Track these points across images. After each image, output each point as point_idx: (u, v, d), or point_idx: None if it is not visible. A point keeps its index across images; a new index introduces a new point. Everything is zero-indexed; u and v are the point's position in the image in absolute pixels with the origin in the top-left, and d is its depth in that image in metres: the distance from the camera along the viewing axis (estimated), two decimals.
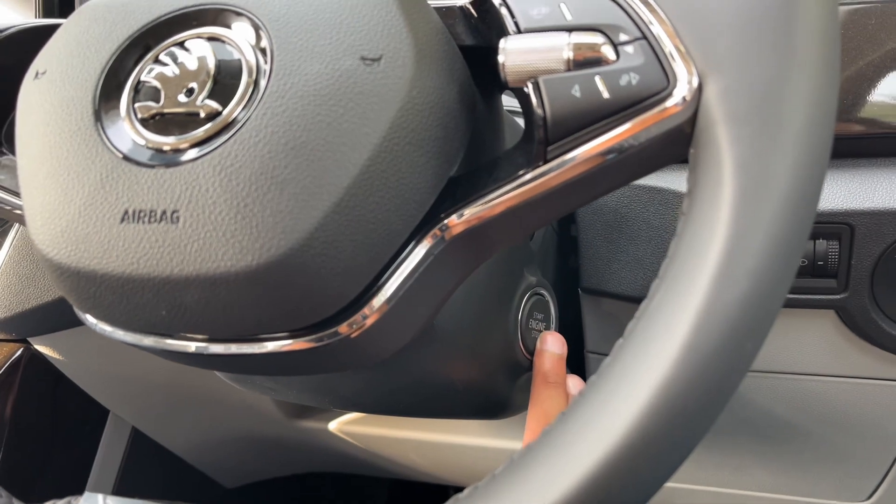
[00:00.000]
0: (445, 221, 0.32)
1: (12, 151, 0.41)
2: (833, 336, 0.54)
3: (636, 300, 0.56)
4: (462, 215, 0.32)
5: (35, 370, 0.67)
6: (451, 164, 0.33)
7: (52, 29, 0.39)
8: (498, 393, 0.50)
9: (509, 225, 0.32)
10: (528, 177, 0.30)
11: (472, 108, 0.34)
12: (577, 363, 0.64)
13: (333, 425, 0.82)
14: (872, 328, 0.52)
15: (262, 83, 0.30)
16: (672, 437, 0.24)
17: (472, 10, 0.35)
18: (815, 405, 0.60)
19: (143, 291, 0.30)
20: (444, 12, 0.35)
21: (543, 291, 0.51)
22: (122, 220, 0.30)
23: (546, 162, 0.29)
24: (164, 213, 0.30)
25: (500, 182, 0.31)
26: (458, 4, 0.35)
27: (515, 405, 0.53)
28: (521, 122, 0.44)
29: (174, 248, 0.29)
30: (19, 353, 0.66)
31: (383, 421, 0.80)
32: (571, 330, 0.61)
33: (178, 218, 0.29)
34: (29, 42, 0.40)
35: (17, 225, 0.63)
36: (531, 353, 0.49)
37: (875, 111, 0.49)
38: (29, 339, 0.67)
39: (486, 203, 0.31)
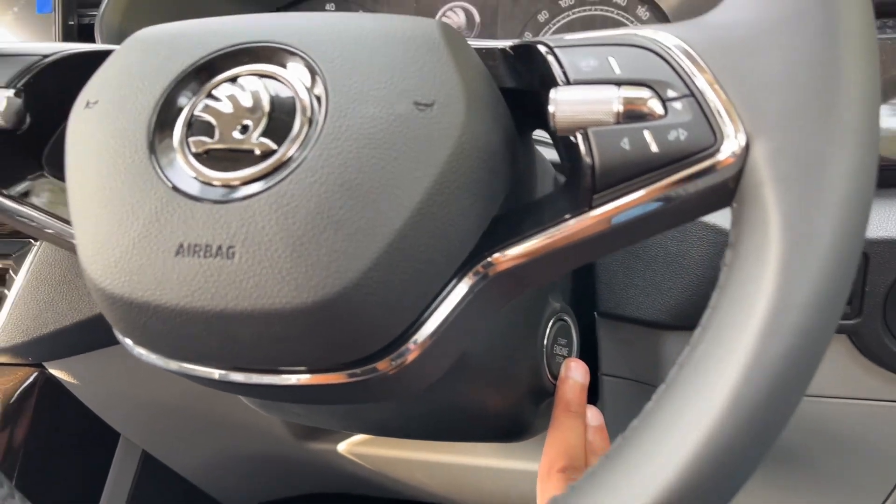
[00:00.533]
0: (489, 259, 0.33)
1: (53, 175, 0.42)
2: (845, 360, 0.56)
3: (653, 325, 0.57)
4: (505, 255, 0.33)
5: (49, 393, 0.67)
6: (495, 204, 0.34)
7: (97, 56, 0.40)
8: (522, 417, 0.51)
9: (550, 265, 0.33)
10: (572, 222, 0.31)
11: (515, 151, 0.35)
12: (591, 384, 0.65)
13: (342, 446, 0.82)
14: (884, 352, 0.53)
15: (318, 123, 0.31)
16: (717, 487, 0.25)
17: (514, 54, 0.36)
18: (826, 426, 0.61)
19: (196, 324, 0.31)
20: (485, 53, 0.36)
21: (566, 317, 0.52)
22: (177, 253, 0.31)
23: (591, 208, 0.30)
24: (219, 248, 0.30)
25: (543, 225, 0.32)
26: (498, 47, 0.36)
27: (534, 428, 0.53)
28: (544, 151, 0.45)
29: (230, 283, 0.30)
30: (34, 376, 0.66)
31: (393, 442, 0.80)
32: (586, 351, 0.62)
33: (234, 253, 0.30)
34: (73, 68, 0.40)
35: (35, 249, 0.63)
36: (555, 378, 0.50)
37: (887, 143, 0.51)
38: (44, 363, 0.66)
39: (529, 244, 0.32)
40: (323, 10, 0.75)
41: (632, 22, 0.68)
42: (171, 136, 0.33)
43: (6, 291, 0.62)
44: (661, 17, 0.67)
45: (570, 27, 0.69)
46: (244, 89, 0.33)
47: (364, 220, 0.30)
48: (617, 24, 0.68)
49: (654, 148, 0.29)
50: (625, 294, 0.57)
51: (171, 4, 0.68)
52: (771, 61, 0.28)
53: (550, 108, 0.30)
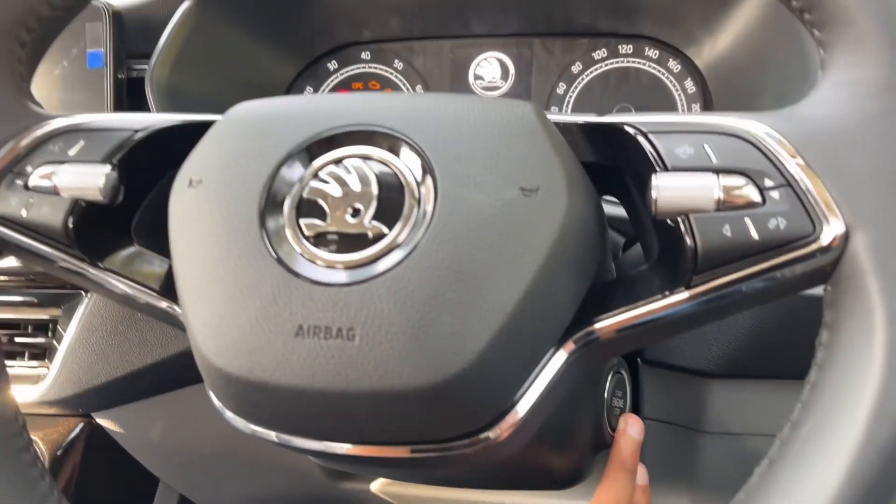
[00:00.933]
0: (586, 330, 0.34)
1: (142, 244, 0.43)
2: None
3: (698, 373, 0.58)
4: (602, 326, 0.34)
5: (94, 442, 0.67)
6: (590, 278, 0.35)
7: (186, 127, 0.41)
8: (578, 468, 0.52)
9: (644, 337, 0.35)
10: (671, 299, 0.33)
11: (604, 224, 0.36)
12: None
13: (375, 486, 0.83)
14: None
15: (428, 208, 0.33)
16: None
17: (593, 130, 0.37)
18: None
19: (315, 403, 0.32)
20: (563, 127, 0.38)
21: (622, 370, 0.53)
22: (297, 334, 0.32)
23: (689, 287, 0.32)
24: (339, 330, 0.31)
25: (641, 300, 0.34)
26: (577, 122, 0.38)
27: (585, 475, 0.55)
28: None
29: (351, 365, 0.31)
30: (80, 427, 0.66)
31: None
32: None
33: (354, 336, 0.31)
34: (162, 139, 0.41)
35: (85, 301, 0.63)
36: (613, 430, 0.51)
37: None
38: (91, 413, 0.67)
39: (626, 317, 0.34)
40: (359, 59, 0.76)
41: (664, 75, 0.70)
42: (281, 217, 0.34)
43: (56, 343, 0.63)
44: (693, 70, 0.69)
45: (605, 78, 0.72)
46: (350, 172, 0.34)
47: (477, 302, 0.31)
48: (650, 76, 0.70)
49: (754, 235, 0.30)
50: (671, 343, 0.59)
51: (215, 59, 0.69)
52: (866, 155, 0.30)
53: (653, 194, 0.32)
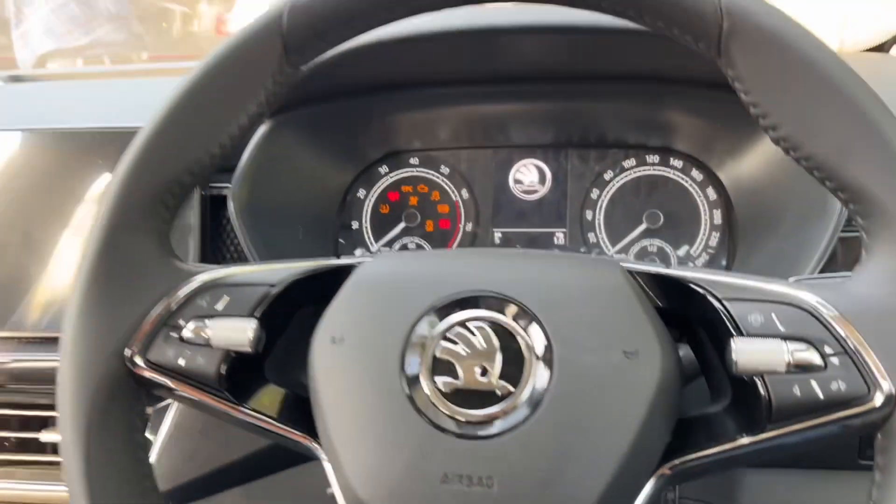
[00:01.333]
0: (674, 463, 0.41)
1: (272, 378, 0.49)
2: None
3: None
4: (687, 460, 0.41)
5: None
6: (676, 418, 0.42)
7: (314, 277, 0.48)
8: None
9: (718, 468, 0.42)
10: (745, 440, 0.40)
11: (682, 371, 0.44)
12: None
13: None
14: None
15: (547, 369, 0.40)
16: None
17: (671, 285, 0.45)
18: None
19: None
20: (642, 276, 0.45)
21: None
22: (443, 481, 0.39)
23: (763, 432, 0.39)
24: (479, 478, 0.38)
25: (722, 441, 0.41)
26: (650, 272, 0.45)
27: None
28: None
29: None
30: None
31: None
32: None
33: (492, 483, 0.38)
34: (294, 288, 0.48)
35: (176, 403, 0.69)
36: None
37: None
38: None
39: (708, 452, 0.41)
40: (408, 164, 0.84)
41: (687, 182, 0.78)
42: (418, 374, 0.41)
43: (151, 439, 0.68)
44: (715, 180, 0.78)
45: (634, 185, 0.80)
46: (475, 334, 0.41)
47: (595, 453, 0.38)
48: (675, 184, 0.79)
49: (819, 395, 0.38)
50: None
51: (286, 173, 0.76)
52: None
53: (733, 357, 0.39)
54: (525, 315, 0.42)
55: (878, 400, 0.37)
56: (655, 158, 0.80)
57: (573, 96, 0.77)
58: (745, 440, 0.40)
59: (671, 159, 0.79)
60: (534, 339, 0.41)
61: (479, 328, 0.42)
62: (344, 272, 0.48)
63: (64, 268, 0.72)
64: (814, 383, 0.38)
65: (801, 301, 0.40)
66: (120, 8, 2.33)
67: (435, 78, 0.78)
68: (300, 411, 0.47)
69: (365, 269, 0.46)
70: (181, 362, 0.45)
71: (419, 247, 0.84)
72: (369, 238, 0.84)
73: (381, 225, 0.84)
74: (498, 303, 0.42)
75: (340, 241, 0.84)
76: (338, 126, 0.79)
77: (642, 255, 0.79)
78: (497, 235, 0.83)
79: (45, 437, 0.72)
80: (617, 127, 0.79)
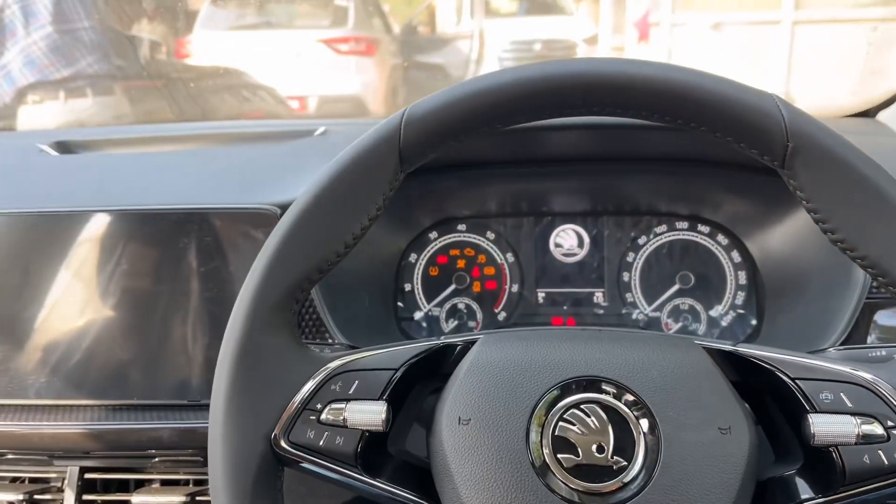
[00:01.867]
0: None
1: (395, 453, 0.55)
2: None
3: None
4: None
5: None
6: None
7: (425, 359, 0.54)
8: None
9: None
10: (821, 500, 0.47)
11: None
12: None
13: None
14: None
15: (655, 446, 0.47)
16: None
17: (740, 360, 0.52)
18: None
19: None
20: (718, 352, 0.52)
21: None
22: None
23: (837, 493, 0.47)
24: None
25: (797, 500, 0.48)
26: (725, 349, 0.53)
27: None
28: None
29: None
30: None
31: None
32: None
33: None
34: (411, 369, 0.54)
35: None
36: None
37: None
38: None
39: None
40: (455, 230, 0.91)
41: (713, 245, 0.87)
42: (541, 452, 0.48)
43: None
44: (739, 245, 0.86)
45: (668, 248, 0.88)
46: (589, 415, 0.48)
47: None
48: (703, 248, 0.87)
49: (885, 462, 0.45)
50: None
51: None
52: None
53: (812, 430, 0.47)
54: (632, 397, 0.49)
55: None
56: (685, 224, 0.88)
57: (608, 174, 0.86)
58: (821, 499, 0.48)
59: (699, 225, 0.88)
60: (641, 418, 0.48)
61: (590, 409, 0.49)
62: (451, 350, 0.55)
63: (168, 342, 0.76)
64: (881, 453, 0.46)
65: (864, 380, 0.48)
66: (99, 39, 2.38)
67: (484, 159, 0.85)
68: (420, 479, 0.53)
69: (479, 353, 0.53)
70: (321, 443, 0.51)
71: (468, 307, 0.91)
72: (421, 299, 0.91)
73: (432, 287, 0.91)
74: (608, 386, 0.49)
75: (399, 304, 0.91)
76: (397, 200, 0.85)
77: (676, 312, 0.87)
78: (541, 296, 0.90)
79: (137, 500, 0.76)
80: (649, 198, 0.88)
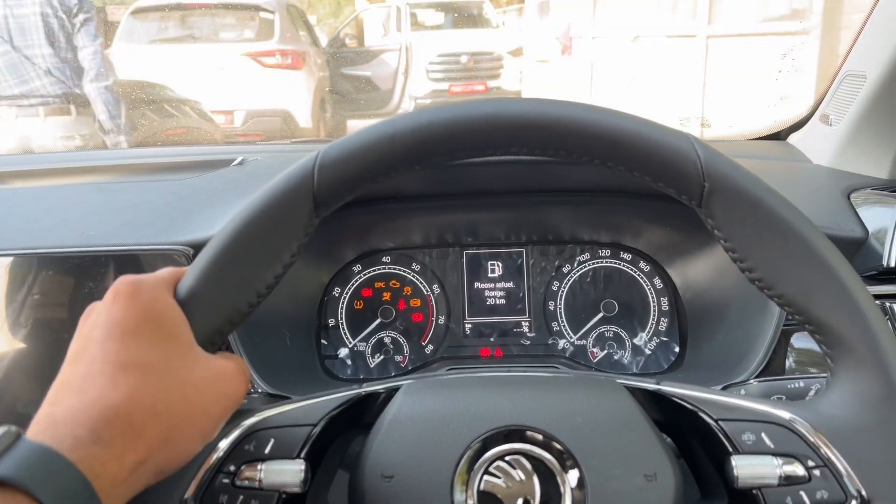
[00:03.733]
0: None
1: None
2: None
3: None
4: None
5: None
6: None
7: (345, 411, 0.52)
8: None
9: None
10: None
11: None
12: None
13: None
14: None
15: (580, 497, 0.46)
16: None
17: (660, 398, 0.52)
18: None
19: None
20: (641, 392, 0.52)
21: None
22: None
23: None
24: None
25: None
26: (649, 388, 0.53)
27: None
28: None
29: None
30: None
31: None
32: None
33: None
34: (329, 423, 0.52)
35: None
36: None
37: None
38: None
39: None
40: (380, 262, 0.89)
41: (635, 272, 0.88)
42: None
43: None
44: (661, 272, 0.87)
45: (591, 276, 0.88)
46: (515, 467, 0.47)
47: None
48: (625, 275, 0.88)
49: (808, 503, 0.46)
50: None
51: None
52: (877, 449, 0.46)
53: (735, 473, 0.47)
54: (557, 446, 0.48)
55: None
56: (607, 252, 0.89)
57: (531, 205, 0.86)
58: None
59: (621, 253, 0.89)
60: (567, 469, 0.47)
61: (515, 461, 0.48)
62: (373, 398, 0.53)
63: None
64: (803, 495, 0.46)
65: (785, 421, 0.48)
66: (58, 64, 2.53)
67: (407, 193, 0.84)
68: None
69: (401, 404, 0.51)
70: None
71: (395, 341, 0.89)
72: (346, 335, 0.89)
73: (357, 321, 0.89)
74: (533, 434, 0.48)
75: (323, 341, 0.88)
76: (318, 234, 0.83)
77: (601, 340, 0.88)
78: (468, 327, 0.89)
79: None
80: (571, 227, 0.88)
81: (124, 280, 0.46)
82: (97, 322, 0.44)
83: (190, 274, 0.50)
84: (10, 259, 0.75)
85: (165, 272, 0.50)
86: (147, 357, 0.43)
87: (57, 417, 0.39)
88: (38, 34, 2.42)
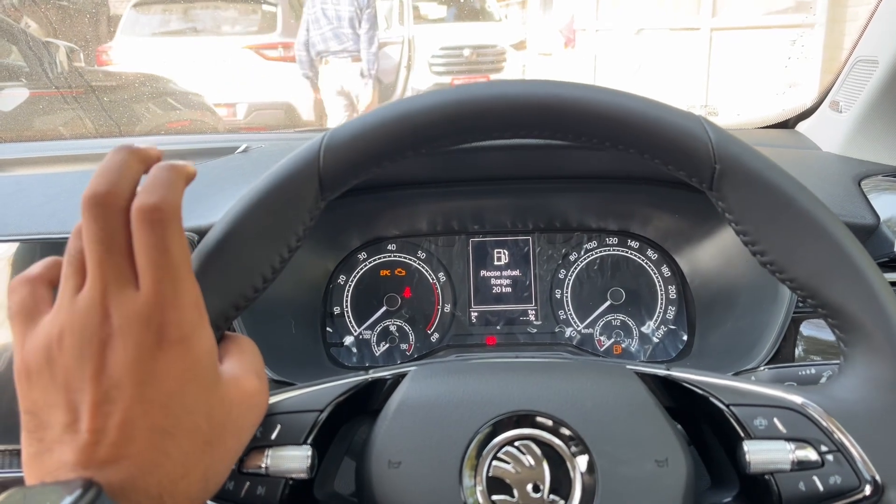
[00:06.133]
0: None
1: (322, 499, 0.52)
2: None
3: None
4: None
5: None
6: None
7: (351, 398, 0.51)
8: None
9: None
10: None
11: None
12: None
13: None
14: None
15: (592, 483, 0.45)
16: None
17: (671, 384, 0.51)
18: None
19: None
20: (653, 378, 0.52)
21: None
22: None
23: None
24: None
25: None
26: (659, 374, 0.52)
27: None
28: None
29: None
30: None
31: None
32: None
33: None
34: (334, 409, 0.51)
35: None
36: None
37: None
38: None
39: None
40: (385, 249, 0.88)
41: (643, 260, 0.87)
42: (476, 494, 0.46)
43: None
44: (669, 260, 0.86)
45: (601, 264, 0.88)
46: (524, 452, 0.47)
47: None
48: (633, 263, 0.87)
49: (820, 488, 0.45)
50: None
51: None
52: (890, 433, 0.45)
53: (746, 458, 0.46)
54: (567, 431, 0.47)
55: (868, 490, 0.45)
56: (615, 240, 0.88)
57: (538, 192, 0.85)
58: None
59: (629, 241, 0.88)
60: (577, 454, 0.46)
61: (525, 446, 0.47)
62: (379, 384, 0.53)
63: None
64: (816, 479, 0.45)
65: (797, 405, 0.47)
66: (353, 35, 4.40)
67: (413, 179, 0.83)
68: None
69: (408, 390, 0.50)
70: (242, 494, 0.48)
71: (400, 329, 0.88)
72: (351, 323, 0.88)
73: (362, 309, 0.88)
74: (542, 420, 0.48)
75: (328, 329, 0.87)
76: (324, 221, 0.82)
77: (608, 329, 0.87)
78: (474, 315, 0.89)
79: None
80: (579, 215, 0.87)
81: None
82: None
83: (194, 258, 0.49)
84: (14, 245, 0.74)
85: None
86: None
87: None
88: (345, 19, 4.49)
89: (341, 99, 4.73)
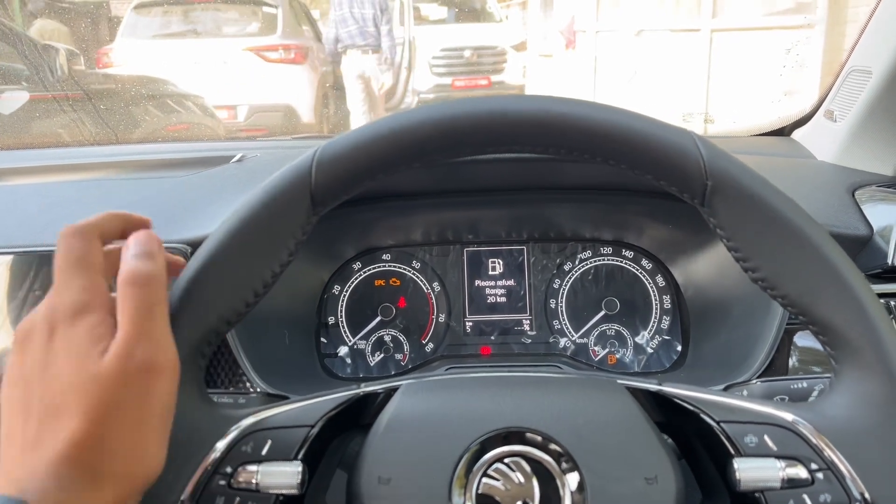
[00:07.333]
0: None
1: None
2: None
3: None
4: None
5: None
6: None
7: (342, 413, 0.51)
8: None
9: None
10: None
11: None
12: None
13: None
14: None
15: (580, 500, 0.45)
16: None
17: (662, 400, 0.51)
18: None
19: None
20: (643, 393, 0.52)
21: None
22: None
23: None
24: None
25: None
26: (651, 389, 0.52)
27: None
28: None
29: None
30: None
31: None
32: None
33: None
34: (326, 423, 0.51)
35: None
36: None
37: None
38: None
39: None
40: (380, 259, 0.89)
41: (638, 270, 0.87)
42: None
43: None
44: (663, 269, 0.86)
45: (595, 274, 0.88)
46: (514, 469, 0.47)
47: None
48: (627, 272, 0.87)
49: None
50: None
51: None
52: (881, 450, 0.45)
53: (737, 476, 0.46)
54: (557, 448, 0.47)
55: None
56: (609, 250, 0.88)
57: (533, 202, 0.85)
58: None
59: (623, 250, 0.88)
60: (567, 472, 0.46)
61: (515, 463, 0.47)
62: (371, 398, 0.53)
63: None
64: (806, 497, 0.45)
65: (787, 423, 0.47)
66: (375, 31, 4.98)
67: (408, 190, 0.83)
68: None
69: (399, 406, 0.50)
70: None
71: (395, 339, 0.88)
72: (346, 333, 0.88)
73: (357, 319, 0.88)
74: (532, 436, 0.48)
75: (322, 339, 0.87)
76: (318, 231, 0.83)
77: (602, 339, 0.87)
78: (469, 325, 0.89)
79: None
80: (573, 225, 0.87)
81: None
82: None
83: (186, 273, 0.50)
84: (10, 257, 0.75)
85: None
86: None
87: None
88: (369, 19, 5.04)
89: (359, 83, 5.20)
